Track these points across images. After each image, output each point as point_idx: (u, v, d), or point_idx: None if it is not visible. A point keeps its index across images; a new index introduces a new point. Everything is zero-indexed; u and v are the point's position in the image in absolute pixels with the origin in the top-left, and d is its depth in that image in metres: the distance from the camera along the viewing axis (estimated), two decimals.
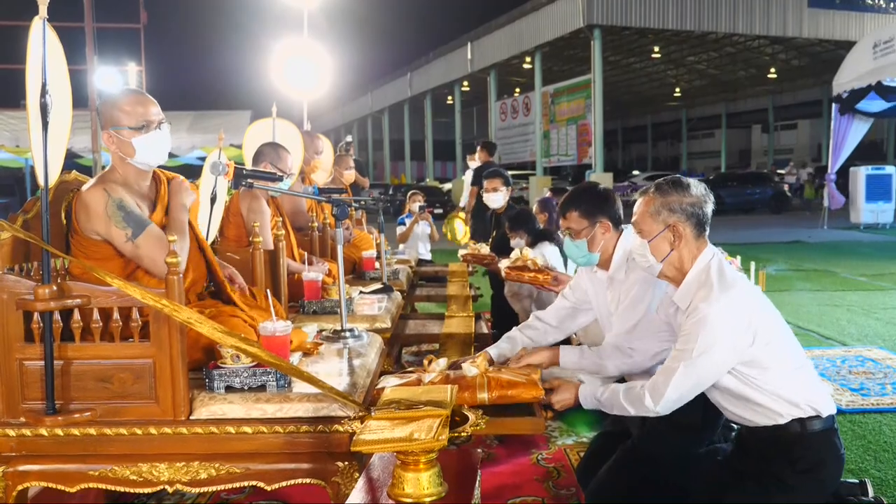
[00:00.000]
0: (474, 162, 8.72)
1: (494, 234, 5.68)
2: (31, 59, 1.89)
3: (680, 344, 2.07)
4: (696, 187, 2.15)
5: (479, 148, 8.73)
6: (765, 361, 2.03)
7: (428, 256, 7.07)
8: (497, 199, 5.60)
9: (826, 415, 2.06)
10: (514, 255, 3.98)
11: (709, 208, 2.16)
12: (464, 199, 9.18)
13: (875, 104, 13.11)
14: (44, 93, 1.89)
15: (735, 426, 2.42)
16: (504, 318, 4.64)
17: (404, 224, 7.09)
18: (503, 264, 3.89)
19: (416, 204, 7.13)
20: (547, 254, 4.51)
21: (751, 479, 2.08)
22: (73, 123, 2.07)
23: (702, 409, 2.29)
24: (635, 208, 2.22)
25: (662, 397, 2.05)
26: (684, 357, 2.02)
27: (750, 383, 2.05)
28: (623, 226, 2.63)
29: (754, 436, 2.12)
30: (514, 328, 2.80)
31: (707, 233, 2.17)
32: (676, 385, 2.03)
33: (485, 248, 5.14)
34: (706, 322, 1.99)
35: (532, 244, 4.58)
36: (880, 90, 12.50)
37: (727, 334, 2.00)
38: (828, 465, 2.06)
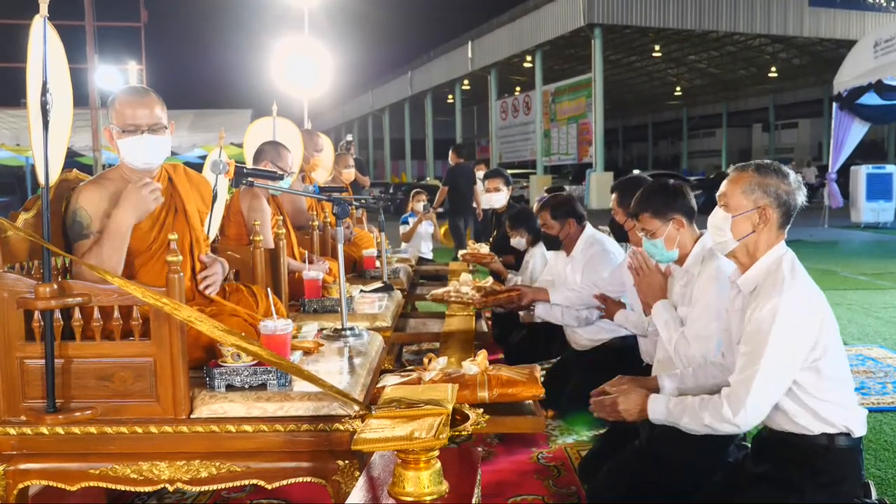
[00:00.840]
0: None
1: (495, 233, 5.68)
2: (32, 57, 1.89)
3: (748, 346, 1.94)
4: (794, 177, 2.05)
5: (451, 151, 9.13)
6: (816, 366, 1.94)
7: (430, 255, 7.08)
8: (498, 198, 5.61)
9: (856, 436, 1.98)
10: (465, 277, 3.98)
11: (800, 200, 2.05)
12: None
13: (874, 101, 13.08)
14: (44, 91, 1.88)
15: (745, 437, 2.39)
16: (504, 317, 4.65)
17: (408, 223, 7.10)
18: (473, 296, 3.74)
19: (419, 203, 7.14)
20: (548, 252, 4.51)
21: (767, 483, 2.00)
22: (73, 122, 2.07)
23: None
24: (726, 181, 2.10)
25: (743, 406, 1.90)
26: (758, 358, 1.90)
27: (792, 389, 1.94)
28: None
29: (777, 439, 2.04)
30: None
31: (789, 226, 2.07)
32: (758, 389, 1.89)
33: (485, 248, 5.15)
34: (778, 311, 1.89)
35: (532, 242, 4.59)
36: (880, 89, 12.48)
37: (798, 325, 1.90)
38: (848, 483, 1.99)
